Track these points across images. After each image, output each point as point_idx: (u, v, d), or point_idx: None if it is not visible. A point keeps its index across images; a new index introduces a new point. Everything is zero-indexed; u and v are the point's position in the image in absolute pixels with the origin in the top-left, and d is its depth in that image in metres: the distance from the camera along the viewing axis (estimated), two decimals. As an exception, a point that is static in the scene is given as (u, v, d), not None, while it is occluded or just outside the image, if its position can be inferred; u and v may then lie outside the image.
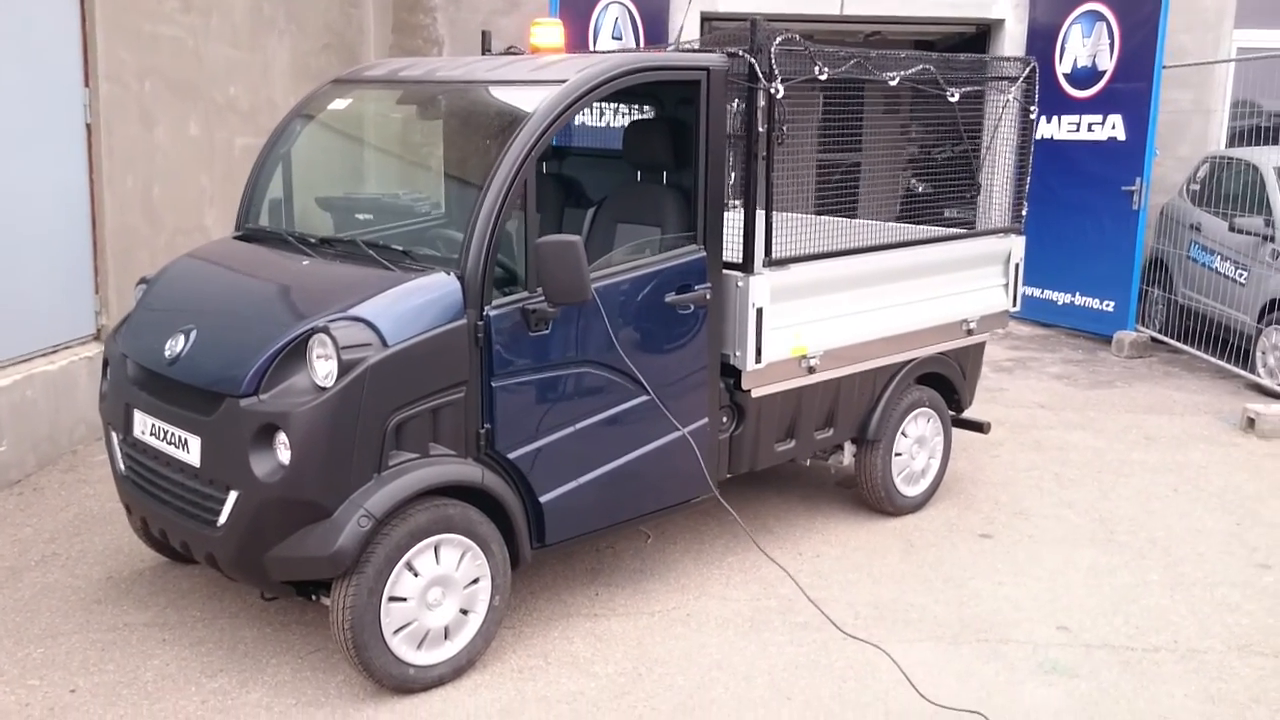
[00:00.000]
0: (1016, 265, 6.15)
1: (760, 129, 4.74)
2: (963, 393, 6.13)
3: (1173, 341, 9.76)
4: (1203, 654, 4.52)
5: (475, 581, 4.15)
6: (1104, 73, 10.18)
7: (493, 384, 4.12)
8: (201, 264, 4.74)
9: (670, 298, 4.60)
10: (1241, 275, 9.20)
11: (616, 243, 4.96)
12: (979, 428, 6.26)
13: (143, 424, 4.33)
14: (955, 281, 5.85)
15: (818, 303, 5.16)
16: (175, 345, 4.18)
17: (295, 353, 3.91)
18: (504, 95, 4.50)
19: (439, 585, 4.05)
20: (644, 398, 4.57)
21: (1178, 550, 5.55)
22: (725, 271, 4.82)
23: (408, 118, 5.08)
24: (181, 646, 4.38)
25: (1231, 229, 9.17)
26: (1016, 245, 6.15)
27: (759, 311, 4.85)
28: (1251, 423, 7.66)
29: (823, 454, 5.68)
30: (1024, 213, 6.19)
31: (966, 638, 4.60)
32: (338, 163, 5.38)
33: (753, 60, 4.68)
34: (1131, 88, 9.93)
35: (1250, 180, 9.42)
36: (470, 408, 4.09)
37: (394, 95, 5.05)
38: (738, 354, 4.90)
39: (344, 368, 3.80)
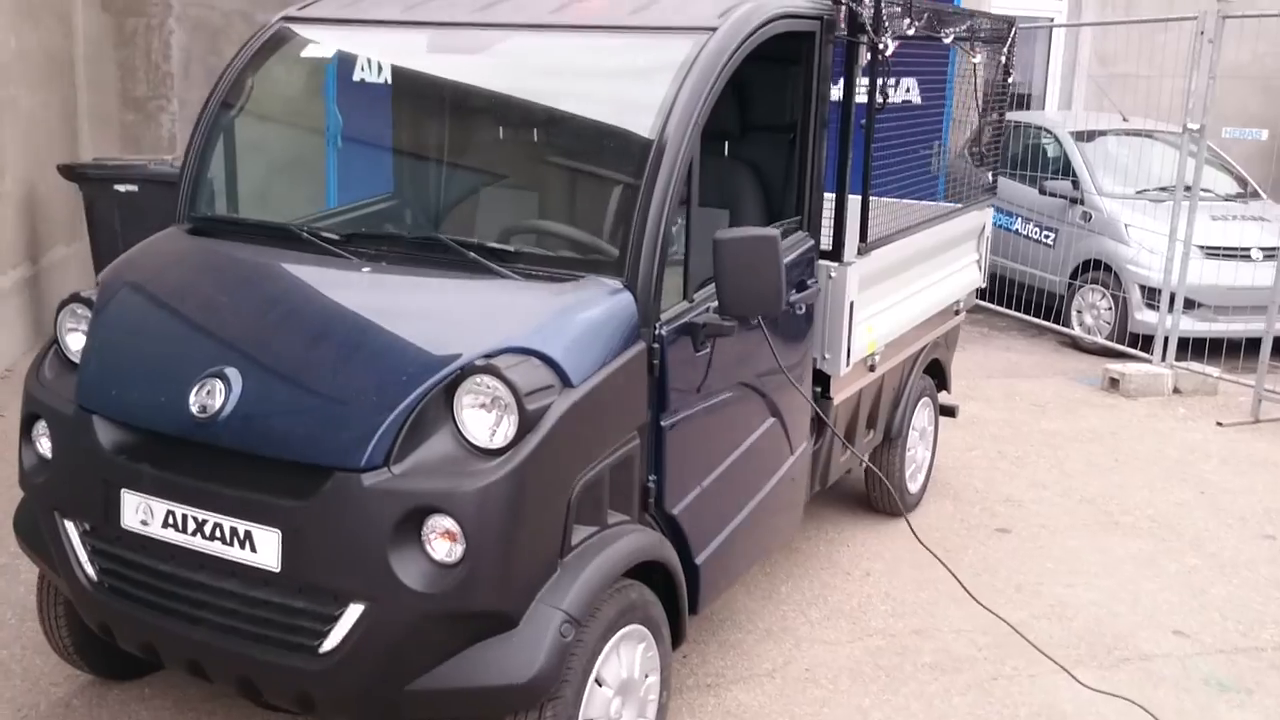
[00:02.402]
0: (988, 238, 5.82)
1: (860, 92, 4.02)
2: (948, 377, 5.73)
3: (986, 304, 9.92)
4: (1320, 645, 4.37)
5: (646, 678, 3.21)
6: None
7: (662, 424, 3.18)
8: (184, 274, 3.39)
9: (793, 295, 3.81)
10: (1048, 237, 9.47)
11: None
12: (950, 413, 5.88)
13: (146, 512, 2.98)
14: (954, 258, 5.42)
15: (882, 290, 4.53)
16: (209, 397, 2.89)
17: (431, 403, 2.79)
18: (628, 45, 3.48)
19: (620, 694, 3.08)
20: (771, 421, 3.77)
21: (1182, 528, 5.45)
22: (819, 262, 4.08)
23: (442, 73, 3.86)
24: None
25: (1042, 192, 9.39)
26: (988, 217, 5.80)
27: (851, 306, 4.16)
28: (1114, 383, 7.85)
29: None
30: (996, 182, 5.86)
31: (1105, 659, 4.19)
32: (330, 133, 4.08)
33: (855, 8, 3.94)
34: (927, 51, 9.90)
35: (1040, 144, 9.72)
36: (641, 457, 3.13)
37: (411, 40, 3.82)
38: (827, 356, 4.17)
39: (526, 422, 2.74)
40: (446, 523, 2.71)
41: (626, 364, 2.99)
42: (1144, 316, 8.66)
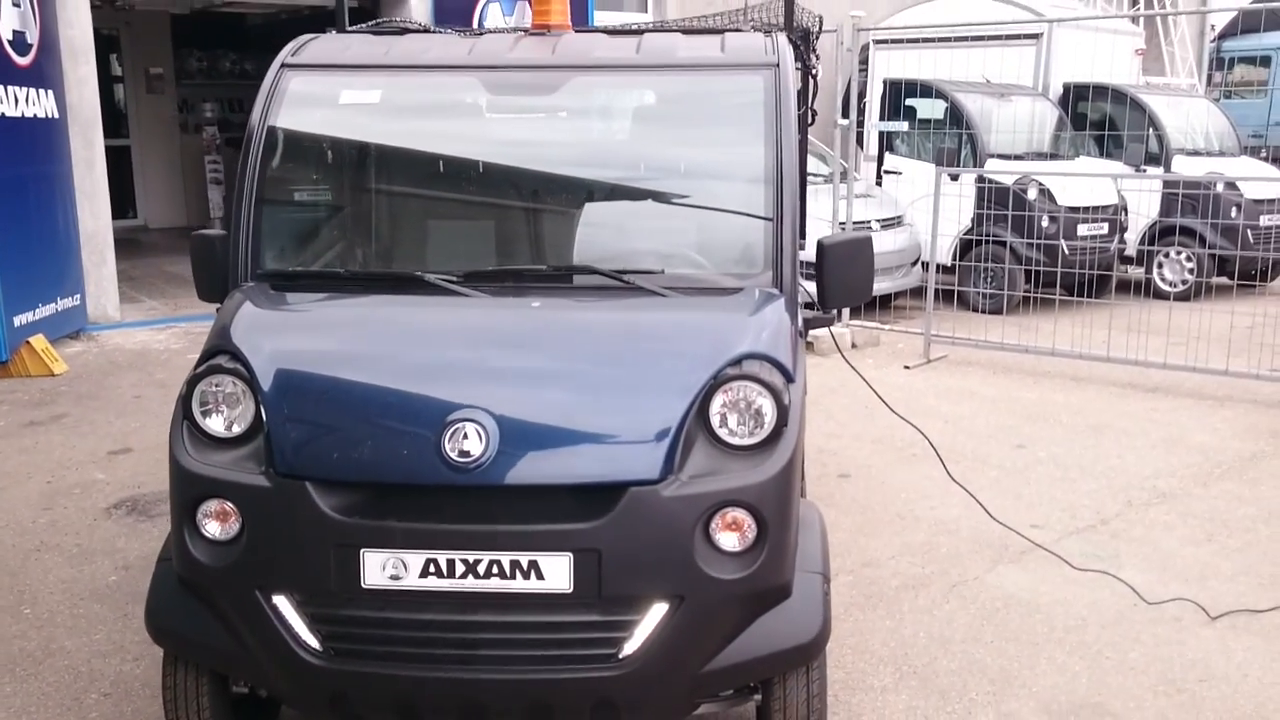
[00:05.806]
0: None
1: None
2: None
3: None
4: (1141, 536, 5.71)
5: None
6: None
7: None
8: (349, 329, 3.36)
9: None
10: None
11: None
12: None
13: (396, 566, 3.00)
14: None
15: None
16: (466, 441, 2.97)
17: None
18: (708, 81, 3.87)
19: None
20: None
21: (961, 451, 6.69)
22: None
23: (499, 113, 3.93)
24: None
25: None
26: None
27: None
28: (809, 345, 9.12)
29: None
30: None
31: (1005, 555, 5.20)
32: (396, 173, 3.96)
33: (797, 41, 4.59)
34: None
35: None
36: (801, 437, 3.63)
37: (461, 85, 3.90)
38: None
39: (783, 417, 3.14)
40: (734, 515, 3.05)
41: (799, 365, 3.46)
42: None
